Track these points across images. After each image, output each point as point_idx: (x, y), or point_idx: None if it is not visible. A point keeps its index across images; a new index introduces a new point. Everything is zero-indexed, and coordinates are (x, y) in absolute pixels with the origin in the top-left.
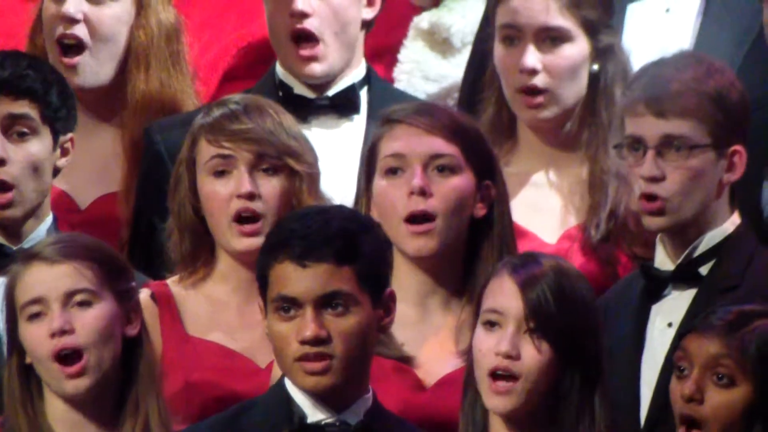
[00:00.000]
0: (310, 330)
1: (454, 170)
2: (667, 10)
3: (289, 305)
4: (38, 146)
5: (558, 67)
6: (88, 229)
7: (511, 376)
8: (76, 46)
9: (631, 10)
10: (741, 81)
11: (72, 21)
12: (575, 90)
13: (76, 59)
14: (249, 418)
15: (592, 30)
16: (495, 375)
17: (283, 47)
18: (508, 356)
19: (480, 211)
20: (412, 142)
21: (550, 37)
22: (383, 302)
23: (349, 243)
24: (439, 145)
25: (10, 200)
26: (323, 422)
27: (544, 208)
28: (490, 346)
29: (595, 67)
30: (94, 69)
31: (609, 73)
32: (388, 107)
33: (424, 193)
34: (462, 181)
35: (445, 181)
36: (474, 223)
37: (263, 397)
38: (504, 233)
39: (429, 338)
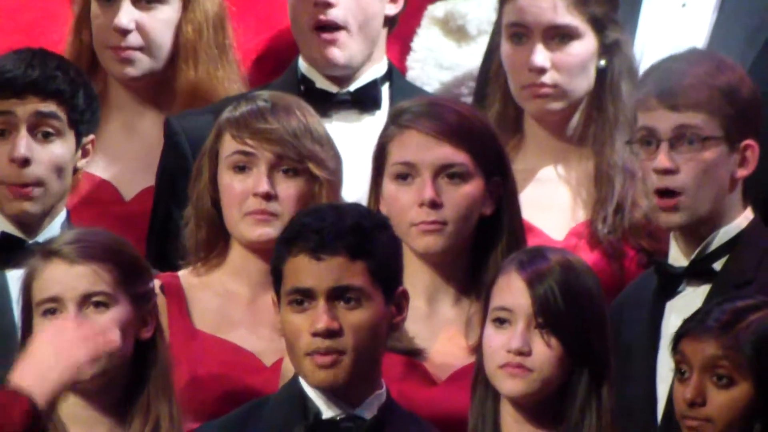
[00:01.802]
0: (322, 322)
1: (465, 178)
2: (683, 5)
3: (302, 297)
4: (62, 148)
5: (567, 65)
6: (131, 221)
7: (524, 369)
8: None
9: (646, 4)
10: (753, 78)
11: (125, 32)
12: (584, 85)
13: (132, 53)
14: (263, 415)
15: (599, 26)
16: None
17: (305, 36)
18: (520, 353)
19: (488, 209)
20: (422, 151)
21: (558, 35)
22: (395, 300)
23: (363, 238)
24: (449, 153)
25: (31, 193)
26: (338, 418)
27: (550, 204)
28: (501, 344)
29: (602, 62)
30: (149, 62)
31: (616, 68)
32: (399, 104)
33: (435, 204)
34: (472, 189)
35: (456, 189)
36: (483, 218)
37: (277, 394)
38: (513, 228)
39: (439, 333)
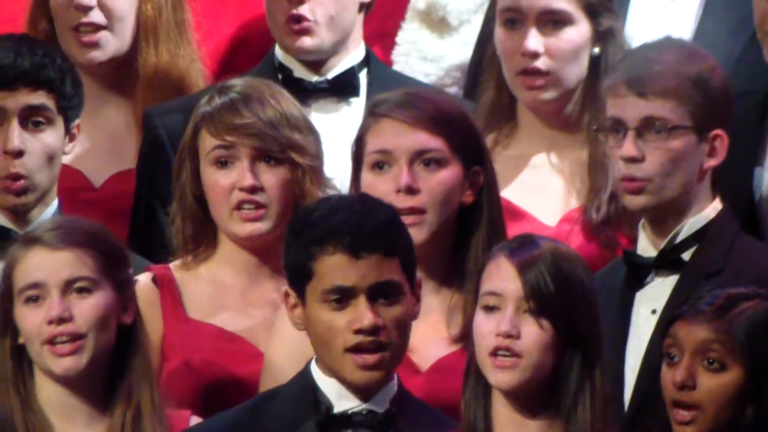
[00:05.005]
0: (368, 319)
1: (441, 163)
2: None
3: (342, 296)
4: (53, 136)
5: (560, 50)
6: (104, 206)
7: (513, 354)
8: (95, 29)
9: None
10: (739, 71)
11: (86, 9)
12: (577, 72)
13: (96, 36)
14: (273, 407)
15: (593, 13)
16: (497, 354)
17: (279, 29)
18: (508, 336)
19: (468, 197)
20: (398, 138)
21: (552, 21)
22: (415, 290)
23: (397, 234)
24: (425, 139)
25: (23, 187)
26: (350, 411)
27: (544, 190)
28: (490, 329)
29: (596, 50)
30: (114, 43)
31: (609, 56)
32: (377, 96)
33: (411, 190)
34: (449, 174)
35: (432, 175)
36: (463, 208)
37: (287, 385)
38: (493, 218)
39: (421, 323)
